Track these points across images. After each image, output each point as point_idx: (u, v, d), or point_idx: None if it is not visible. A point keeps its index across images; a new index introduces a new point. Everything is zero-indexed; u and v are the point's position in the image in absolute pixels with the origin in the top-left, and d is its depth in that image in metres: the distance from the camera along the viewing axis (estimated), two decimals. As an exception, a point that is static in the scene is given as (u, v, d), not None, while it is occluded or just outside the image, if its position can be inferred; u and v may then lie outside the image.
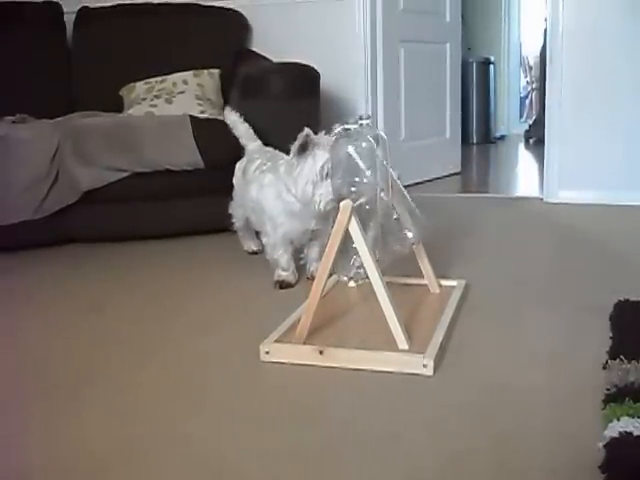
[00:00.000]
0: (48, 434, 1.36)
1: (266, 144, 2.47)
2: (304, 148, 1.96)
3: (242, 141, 2.51)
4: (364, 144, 1.65)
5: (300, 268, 2.25)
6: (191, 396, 1.50)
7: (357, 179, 1.66)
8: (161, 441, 1.32)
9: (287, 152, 2.07)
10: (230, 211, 2.52)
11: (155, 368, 1.65)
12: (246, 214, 2.38)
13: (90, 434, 1.35)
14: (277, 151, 2.34)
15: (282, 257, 2.17)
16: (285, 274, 2.19)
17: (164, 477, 1.21)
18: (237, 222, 2.51)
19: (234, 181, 2.47)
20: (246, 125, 2.51)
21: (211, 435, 1.32)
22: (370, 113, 3.65)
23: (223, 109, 3.20)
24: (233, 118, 2.54)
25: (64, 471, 1.24)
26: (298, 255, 2.25)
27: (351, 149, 1.64)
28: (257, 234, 2.45)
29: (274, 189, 2.12)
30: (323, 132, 2.00)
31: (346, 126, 1.65)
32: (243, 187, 2.35)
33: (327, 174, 1.89)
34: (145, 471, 1.22)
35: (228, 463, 1.23)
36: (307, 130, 1.95)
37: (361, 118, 1.66)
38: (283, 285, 2.18)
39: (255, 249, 2.56)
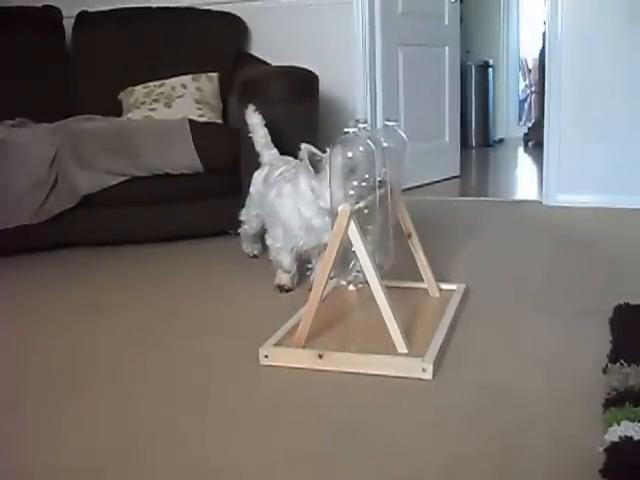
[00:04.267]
0: (46, 434, 1.36)
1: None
2: (313, 164, 1.91)
3: (257, 147, 2.44)
4: (362, 148, 1.65)
5: (303, 276, 2.23)
6: (189, 399, 1.50)
7: (356, 183, 1.66)
8: (159, 443, 1.31)
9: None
10: (242, 218, 2.48)
11: (153, 370, 1.65)
12: (263, 220, 2.33)
13: (88, 435, 1.35)
14: (299, 161, 2.30)
15: (286, 259, 2.15)
16: (286, 277, 2.17)
17: (161, 479, 1.21)
18: (250, 230, 2.48)
19: (251, 189, 2.41)
20: (266, 131, 2.44)
21: (210, 438, 1.32)
22: (367, 118, 3.66)
23: (222, 113, 3.23)
24: (255, 120, 2.44)
25: (62, 471, 1.23)
26: (304, 264, 2.22)
27: (350, 153, 1.64)
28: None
29: (292, 201, 2.06)
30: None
31: (346, 129, 1.65)
32: (263, 193, 2.28)
33: (350, 172, 1.80)
34: (143, 473, 1.22)
35: (227, 466, 1.23)
36: (304, 147, 1.91)
37: (358, 122, 1.66)
38: (284, 289, 2.17)
39: (256, 253, 2.56)
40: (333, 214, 1.84)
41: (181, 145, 2.73)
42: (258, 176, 2.40)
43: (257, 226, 2.44)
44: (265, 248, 2.31)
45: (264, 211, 2.28)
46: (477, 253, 2.61)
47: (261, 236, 2.41)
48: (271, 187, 2.21)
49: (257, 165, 2.45)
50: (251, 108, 2.48)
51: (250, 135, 2.47)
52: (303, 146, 1.91)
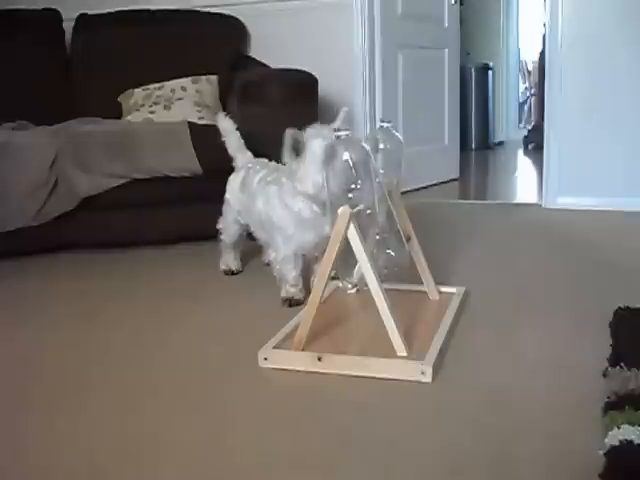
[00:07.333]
0: (46, 435, 1.35)
1: (264, 151, 2.44)
2: (295, 149, 1.90)
3: (231, 151, 2.38)
4: (359, 151, 1.64)
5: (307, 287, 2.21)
6: (189, 401, 1.49)
7: (353, 186, 1.66)
8: (159, 444, 1.31)
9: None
10: (220, 226, 2.39)
11: (153, 372, 1.65)
12: (247, 230, 2.31)
13: (88, 437, 1.35)
14: (274, 163, 2.26)
15: (290, 272, 2.06)
16: (293, 290, 2.08)
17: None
18: (228, 239, 2.39)
19: (228, 195, 2.35)
20: (238, 134, 2.39)
21: (209, 440, 1.32)
22: (367, 120, 3.68)
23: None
24: (226, 125, 2.39)
25: (62, 471, 1.24)
26: (309, 274, 2.17)
27: (347, 156, 1.64)
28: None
29: (279, 199, 2.04)
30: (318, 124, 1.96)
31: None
32: (244, 201, 2.24)
33: (331, 156, 1.81)
34: (143, 474, 1.22)
35: (226, 468, 1.23)
36: (289, 131, 1.88)
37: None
38: (292, 303, 2.06)
39: (235, 269, 2.45)
40: (317, 199, 1.92)
41: (180, 148, 2.73)
42: (234, 180, 2.34)
43: (235, 234, 2.37)
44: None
45: (254, 222, 2.23)
46: (477, 256, 2.61)
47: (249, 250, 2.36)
48: (256, 196, 2.16)
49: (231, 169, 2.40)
50: (221, 114, 2.45)
51: (223, 139, 2.40)
52: (287, 131, 1.90)
